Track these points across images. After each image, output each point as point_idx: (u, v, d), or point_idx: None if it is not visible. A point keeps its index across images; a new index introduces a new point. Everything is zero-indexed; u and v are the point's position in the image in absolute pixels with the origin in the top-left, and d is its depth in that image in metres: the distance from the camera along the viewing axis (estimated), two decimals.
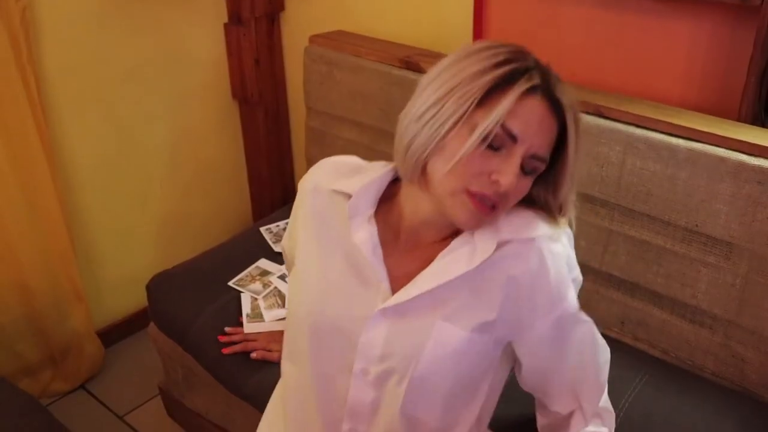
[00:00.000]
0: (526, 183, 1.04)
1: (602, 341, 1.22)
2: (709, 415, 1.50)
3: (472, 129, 0.99)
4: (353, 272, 1.13)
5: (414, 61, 1.92)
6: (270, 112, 2.60)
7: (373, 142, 2.09)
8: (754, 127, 1.55)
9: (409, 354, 1.08)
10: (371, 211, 1.14)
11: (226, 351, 1.72)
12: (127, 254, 2.52)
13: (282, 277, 1.94)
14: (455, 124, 1.00)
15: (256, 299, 1.86)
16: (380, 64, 1.99)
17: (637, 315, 1.72)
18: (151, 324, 2.01)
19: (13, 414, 1.64)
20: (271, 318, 1.80)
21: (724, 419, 1.50)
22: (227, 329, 1.77)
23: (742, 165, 1.46)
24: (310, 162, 2.32)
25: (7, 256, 2.14)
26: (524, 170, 1.02)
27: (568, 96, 1.03)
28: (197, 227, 2.68)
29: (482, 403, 1.17)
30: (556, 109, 1.02)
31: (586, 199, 1.70)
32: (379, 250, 1.12)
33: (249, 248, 2.08)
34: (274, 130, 2.64)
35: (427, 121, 1.02)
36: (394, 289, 1.11)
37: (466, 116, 0.99)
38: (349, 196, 1.14)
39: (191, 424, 2.09)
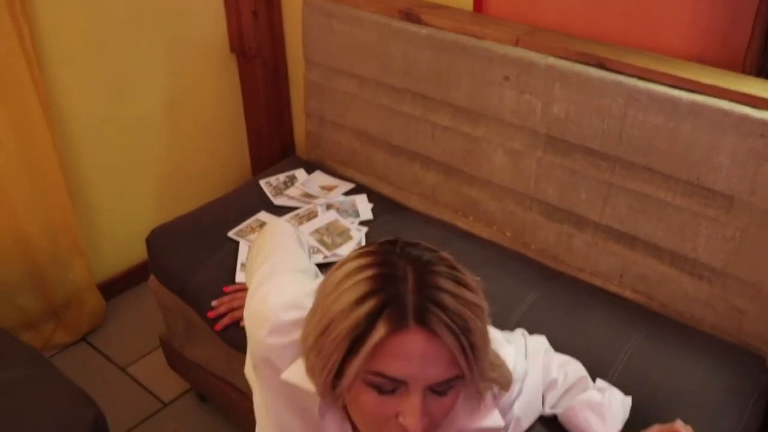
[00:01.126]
0: (449, 400, 0.92)
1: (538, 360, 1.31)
2: (706, 368, 1.51)
3: (353, 381, 0.88)
4: None
5: (414, 13, 1.89)
6: (268, 65, 2.57)
7: (373, 95, 2.08)
8: (759, 79, 1.53)
9: None
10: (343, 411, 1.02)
11: (217, 328, 1.71)
12: (126, 207, 2.52)
13: None
14: (335, 370, 0.89)
15: None
16: (380, 15, 1.96)
17: (637, 268, 1.72)
18: (152, 277, 2.02)
19: (16, 365, 1.66)
20: None
21: (722, 372, 1.51)
22: (213, 302, 1.75)
23: (745, 118, 1.45)
24: (309, 116, 2.31)
25: (6, 211, 2.14)
26: (438, 393, 0.90)
27: (450, 313, 0.86)
28: (196, 181, 2.67)
29: None
30: (436, 327, 0.86)
31: (587, 152, 1.69)
32: None
33: (249, 201, 2.08)
34: (273, 84, 2.62)
35: (316, 357, 0.92)
36: None
37: (339, 364, 0.88)
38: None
39: (192, 375, 2.11)
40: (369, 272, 0.88)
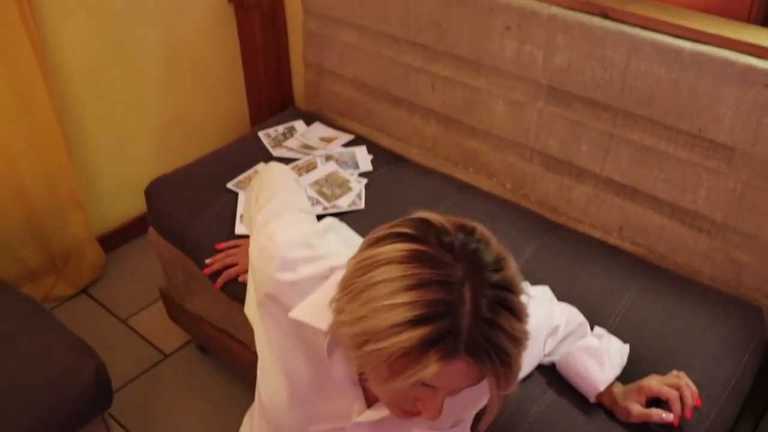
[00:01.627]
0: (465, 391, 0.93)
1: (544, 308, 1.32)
2: (704, 319, 1.52)
3: (387, 379, 0.86)
4: (322, 386, 1.06)
5: None
6: (266, 15, 2.53)
7: (372, 45, 2.05)
8: (764, 28, 1.51)
9: None
10: None
11: (216, 286, 1.71)
12: (125, 160, 2.51)
13: None
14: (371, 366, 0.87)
15: None
16: None
17: (637, 220, 1.72)
18: (151, 229, 2.02)
19: (17, 317, 1.67)
20: None
21: (720, 323, 1.52)
22: (207, 261, 1.75)
23: (749, 68, 1.43)
24: (308, 66, 2.28)
25: (4, 163, 2.13)
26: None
27: (500, 351, 0.84)
28: (194, 132, 2.66)
29: None
30: (483, 359, 0.84)
31: (588, 103, 1.67)
32: (357, 383, 1.04)
33: (247, 152, 2.07)
34: (271, 34, 2.58)
35: (352, 341, 0.87)
36: (368, 400, 1.06)
37: (380, 366, 0.85)
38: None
39: (193, 327, 2.13)
40: (424, 292, 0.82)
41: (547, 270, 1.62)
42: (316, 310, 0.99)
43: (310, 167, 1.97)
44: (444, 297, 0.82)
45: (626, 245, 1.76)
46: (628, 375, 1.36)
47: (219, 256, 1.74)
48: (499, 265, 0.86)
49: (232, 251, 1.73)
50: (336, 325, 0.92)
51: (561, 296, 1.42)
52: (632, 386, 1.32)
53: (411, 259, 0.84)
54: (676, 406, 1.25)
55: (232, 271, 1.70)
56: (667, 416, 1.26)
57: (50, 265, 2.40)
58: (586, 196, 1.78)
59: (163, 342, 2.29)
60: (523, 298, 0.88)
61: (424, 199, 1.86)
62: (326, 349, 1.00)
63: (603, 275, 1.62)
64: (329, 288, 0.99)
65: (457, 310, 0.82)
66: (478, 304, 0.82)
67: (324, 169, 1.97)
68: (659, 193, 1.66)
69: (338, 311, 0.90)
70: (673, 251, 1.70)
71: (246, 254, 1.55)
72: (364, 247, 0.90)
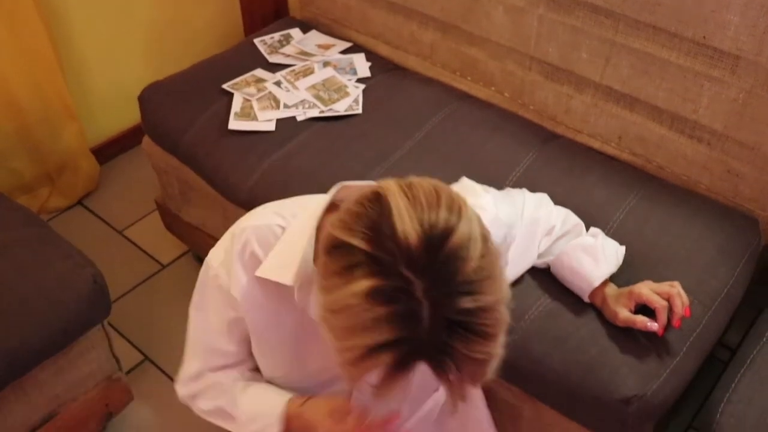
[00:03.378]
0: None
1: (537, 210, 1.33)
2: (701, 228, 1.53)
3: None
4: (310, 328, 1.03)
5: None
6: None
7: None
8: None
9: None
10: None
11: None
12: (117, 70, 2.47)
13: (277, 84, 1.92)
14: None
15: (248, 100, 1.86)
16: None
17: (636, 130, 1.70)
18: (145, 138, 2.00)
19: (13, 227, 1.66)
20: (264, 118, 1.81)
21: (716, 232, 1.53)
22: None
23: None
24: None
25: None
26: None
27: (456, 366, 0.78)
28: (187, 43, 2.60)
29: None
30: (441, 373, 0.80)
31: (590, 8, 1.63)
32: None
33: (243, 59, 2.03)
34: None
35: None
36: None
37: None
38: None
39: (189, 237, 2.13)
40: (385, 311, 0.76)
41: (544, 180, 1.61)
42: (279, 264, 1.00)
43: (307, 72, 1.95)
44: (405, 312, 0.76)
45: (625, 155, 1.74)
46: (624, 280, 1.37)
47: None
48: (470, 287, 0.77)
49: None
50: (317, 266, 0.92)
51: (559, 204, 1.42)
52: (624, 290, 1.33)
53: (371, 300, 0.76)
54: (662, 316, 1.26)
55: None
56: (652, 325, 1.27)
57: (44, 176, 2.39)
58: (585, 106, 1.76)
59: (160, 253, 2.30)
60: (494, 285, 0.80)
61: (422, 108, 1.83)
62: (297, 299, 1.01)
63: (601, 184, 1.61)
64: (287, 242, 1.00)
65: (418, 327, 0.76)
66: (438, 327, 0.76)
67: (321, 74, 1.94)
68: (660, 103, 1.63)
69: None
70: (672, 162, 1.69)
71: None
72: (324, 254, 0.83)
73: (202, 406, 1.15)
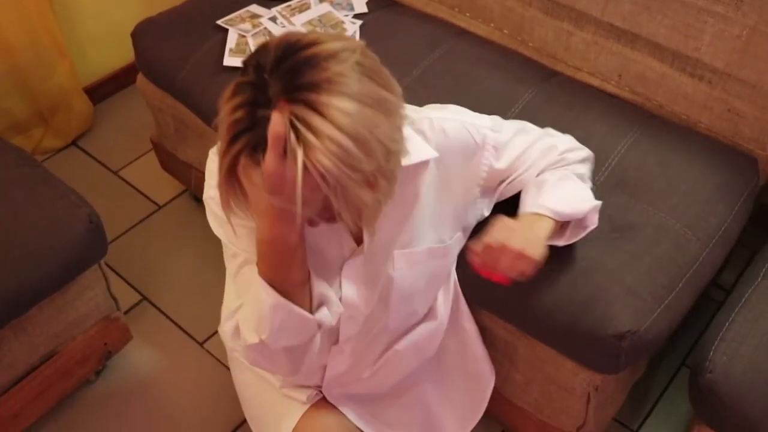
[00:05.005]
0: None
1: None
2: (700, 165, 1.53)
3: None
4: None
5: None
6: None
7: None
8: None
9: (385, 285, 1.17)
10: None
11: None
12: (108, 4, 2.43)
13: (272, 19, 1.88)
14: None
15: (244, 36, 1.84)
16: None
17: (636, 68, 1.68)
18: (139, 75, 1.98)
19: (7, 167, 1.65)
20: None
21: (715, 170, 1.52)
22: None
23: None
24: None
25: None
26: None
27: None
28: None
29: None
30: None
31: None
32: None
33: None
34: None
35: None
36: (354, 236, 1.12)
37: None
38: None
39: (186, 176, 2.13)
40: (237, 99, 0.87)
41: (543, 117, 1.58)
42: None
43: (303, 8, 1.92)
44: (249, 104, 0.86)
45: (624, 94, 1.73)
46: (622, 209, 1.37)
47: None
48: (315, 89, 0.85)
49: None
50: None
51: None
52: (505, 226, 1.14)
53: (230, 97, 0.88)
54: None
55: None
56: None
57: (37, 116, 2.37)
58: (586, 43, 1.73)
59: (156, 193, 2.29)
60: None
61: (420, 44, 1.80)
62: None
63: (600, 121, 1.60)
64: None
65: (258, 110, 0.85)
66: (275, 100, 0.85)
67: (317, 10, 1.91)
68: (661, 40, 1.61)
69: None
70: (672, 100, 1.67)
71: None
72: None
73: (247, 337, 1.06)
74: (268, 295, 1.00)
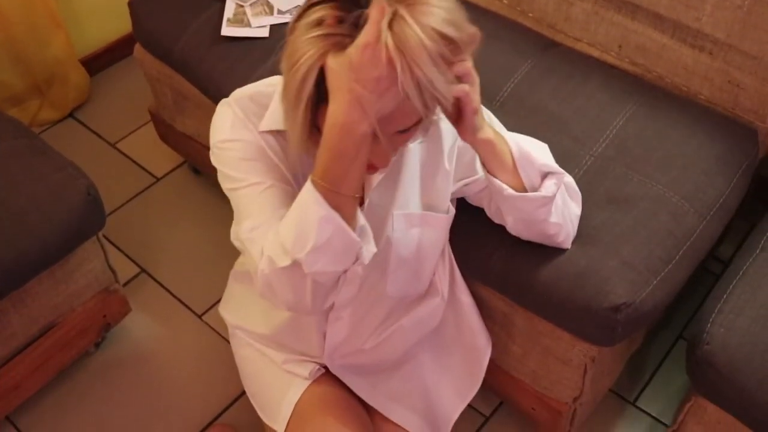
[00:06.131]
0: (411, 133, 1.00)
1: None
2: (700, 137, 1.52)
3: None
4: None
5: None
6: None
7: None
8: None
9: (384, 248, 1.19)
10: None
11: None
12: None
13: None
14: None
15: (241, 6, 1.82)
16: None
17: (637, 39, 1.67)
18: (137, 46, 1.97)
19: (4, 138, 1.64)
20: (257, 24, 1.77)
21: (715, 141, 1.52)
22: None
23: None
24: None
25: None
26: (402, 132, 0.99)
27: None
28: None
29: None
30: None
31: None
32: None
33: None
34: None
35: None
36: None
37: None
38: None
39: (184, 148, 2.12)
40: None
41: (542, 88, 1.59)
42: (279, 118, 1.06)
43: None
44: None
45: (624, 65, 1.71)
46: (621, 175, 1.37)
47: None
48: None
49: None
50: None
51: (556, 112, 1.41)
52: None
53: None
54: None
55: None
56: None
57: (33, 88, 2.35)
58: (586, 13, 1.71)
59: (154, 165, 2.29)
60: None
61: None
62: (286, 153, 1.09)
63: (600, 92, 1.59)
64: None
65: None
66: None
67: None
68: (662, 10, 1.59)
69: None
70: (672, 72, 1.66)
71: None
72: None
73: (276, 259, 1.01)
74: (319, 206, 0.96)
